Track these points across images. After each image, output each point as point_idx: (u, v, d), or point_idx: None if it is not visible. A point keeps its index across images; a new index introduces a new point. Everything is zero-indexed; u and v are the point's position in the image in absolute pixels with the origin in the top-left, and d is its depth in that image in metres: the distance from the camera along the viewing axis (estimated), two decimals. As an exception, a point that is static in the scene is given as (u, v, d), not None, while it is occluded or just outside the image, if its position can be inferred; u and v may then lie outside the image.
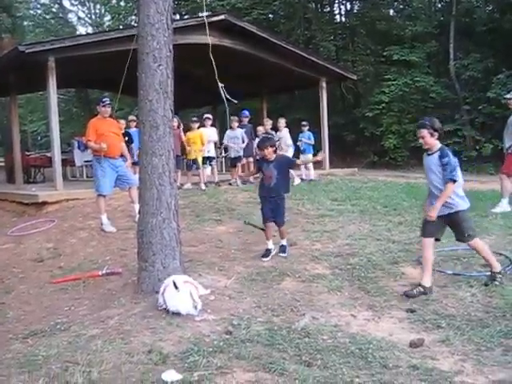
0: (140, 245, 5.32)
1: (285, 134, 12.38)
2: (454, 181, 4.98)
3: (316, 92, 16.06)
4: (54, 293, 5.72)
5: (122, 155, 8.41)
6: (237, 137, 12.26)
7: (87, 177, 13.82)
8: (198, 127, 11.62)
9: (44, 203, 9.72)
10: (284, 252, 6.44)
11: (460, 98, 17.99)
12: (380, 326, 4.50)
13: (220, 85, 6.24)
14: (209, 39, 6.20)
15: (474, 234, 5.29)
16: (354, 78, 16.97)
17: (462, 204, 5.17)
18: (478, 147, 17.22)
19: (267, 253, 6.36)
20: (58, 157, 10.73)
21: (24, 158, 14.28)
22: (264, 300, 5.07)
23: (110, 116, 8.37)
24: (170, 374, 3.62)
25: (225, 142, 12.57)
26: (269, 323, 4.53)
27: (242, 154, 12.29)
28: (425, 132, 5.12)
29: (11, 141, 14.01)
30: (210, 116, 12.39)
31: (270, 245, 6.44)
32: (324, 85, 15.66)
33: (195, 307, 4.73)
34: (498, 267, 5.35)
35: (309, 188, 11.29)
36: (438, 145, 5.13)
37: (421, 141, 5.22)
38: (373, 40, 21.62)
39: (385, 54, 19.36)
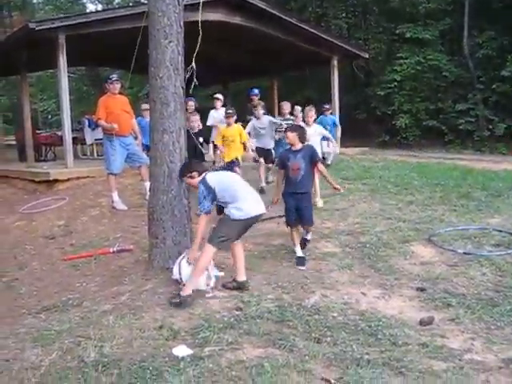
0: (151, 222, 5.34)
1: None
2: None
3: (327, 70, 15.90)
4: (66, 269, 5.78)
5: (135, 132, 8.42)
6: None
7: (98, 155, 13.83)
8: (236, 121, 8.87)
9: (55, 181, 9.78)
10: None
11: (473, 77, 17.71)
12: (390, 304, 4.51)
13: (192, 65, 6.02)
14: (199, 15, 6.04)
15: None
16: (366, 56, 16.76)
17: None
18: (490, 127, 17.00)
19: (301, 260, 5.52)
20: (68, 135, 10.74)
21: (35, 136, 14.32)
22: (274, 277, 5.09)
23: (121, 93, 8.32)
24: (181, 349, 3.67)
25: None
26: (279, 300, 4.55)
27: None
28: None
29: (22, 119, 14.05)
30: (219, 96, 11.02)
31: (299, 252, 5.63)
32: (335, 63, 15.49)
33: (207, 284, 4.76)
34: None
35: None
36: None
37: None
38: (385, 17, 21.25)
39: (397, 31, 19.05)
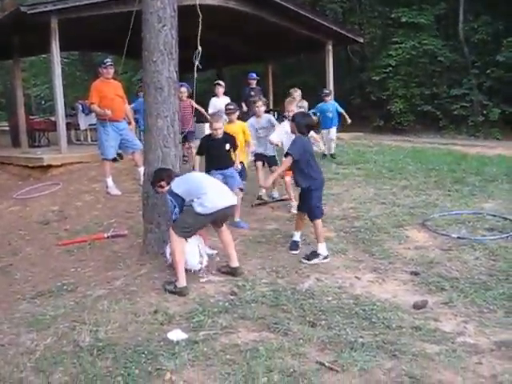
0: (145, 207, 5.34)
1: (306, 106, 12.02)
2: None
3: (322, 56, 15.81)
4: (61, 255, 5.77)
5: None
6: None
7: (92, 140, 13.75)
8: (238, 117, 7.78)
9: (49, 166, 9.73)
10: (309, 259, 5.18)
11: (468, 62, 17.68)
12: (384, 288, 4.54)
13: (198, 49, 5.95)
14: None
15: None
16: (361, 40, 16.66)
17: None
18: (485, 112, 17.00)
19: (294, 245, 5.48)
20: (62, 120, 10.66)
21: (28, 121, 14.21)
22: (269, 262, 5.10)
23: (114, 78, 8.24)
24: (176, 334, 3.69)
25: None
26: (273, 284, 4.58)
27: None
28: None
29: (15, 105, 13.92)
30: (221, 82, 10.36)
31: (297, 236, 5.52)
32: (330, 48, 15.39)
33: (200, 263, 4.77)
34: None
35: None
36: None
37: None
38: (380, 2, 21.10)
39: (392, 16, 18.93)
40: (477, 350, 3.42)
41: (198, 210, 4.53)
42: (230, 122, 7.01)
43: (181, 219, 4.62)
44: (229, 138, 6.34)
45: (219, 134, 6.16)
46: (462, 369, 3.18)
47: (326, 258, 5.17)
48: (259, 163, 7.40)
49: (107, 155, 8.02)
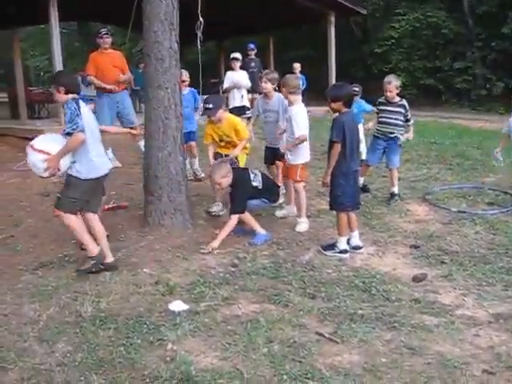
0: (146, 179, 5.33)
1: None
2: None
3: (324, 28, 15.62)
4: (62, 226, 5.74)
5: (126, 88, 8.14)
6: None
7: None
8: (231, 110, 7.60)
9: (49, 138, 9.67)
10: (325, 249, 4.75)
11: (472, 34, 17.47)
12: (384, 261, 4.56)
13: (200, 20, 5.85)
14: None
15: None
16: (364, 12, 16.45)
17: None
18: (488, 86, 16.88)
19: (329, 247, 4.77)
20: (61, 91, 10.57)
21: (28, 93, 14.11)
22: (269, 234, 5.12)
23: (114, 48, 8.12)
24: (177, 305, 3.72)
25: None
26: (274, 257, 4.60)
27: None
28: None
29: (14, 76, 13.81)
30: (238, 56, 9.57)
31: (342, 243, 4.71)
32: (332, 20, 15.21)
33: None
34: None
35: (315, 124, 11.19)
36: None
37: None
38: (384, -28, 20.81)
39: (396, -14, 18.73)
40: (475, 323, 3.45)
41: (83, 173, 4.19)
42: (217, 121, 5.69)
43: (63, 194, 4.29)
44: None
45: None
46: (460, 340, 3.22)
47: (343, 252, 4.65)
48: (274, 166, 6.11)
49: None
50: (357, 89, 8.31)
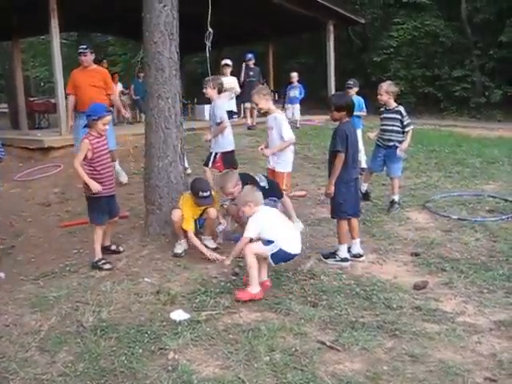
0: (147, 188, 5.34)
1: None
2: None
3: (323, 36, 15.70)
4: (63, 236, 5.80)
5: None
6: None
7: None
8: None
9: (49, 148, 9.69)
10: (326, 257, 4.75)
11: (471, 43, 17.55)
12: (385, 269, 4.56)
13: (209, 30, 5.92)
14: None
15: None
16: (362, 21, 16.56)
17: None
18: (487, 93, 16.93)
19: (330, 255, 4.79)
20: (62, 102, 10.61)
21: (28, 103, 14.17)
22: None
23: (99, 64, 7.55)
24: (179, 314, 3.72)
25: None
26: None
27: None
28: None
29: (14, 86, 13.86)
30: (229, 62, 10.36)
31: (342, 251, 4.71)
32: (331, 28, 15.29)
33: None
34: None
35: (315, 133, 11.26)
36: None
37: None
38: (382, -19, 20.94)
39: (394, -4, 18.82)
40: (476, 330, 3.45)
41: None
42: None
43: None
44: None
45: None
46: (461, 348, 3.22)
47: (343, 260, 4.64)
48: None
49: (74, 150, 7.12)
50: (351, 82, 8.33)
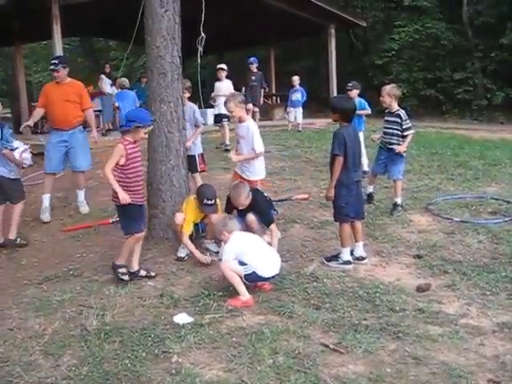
0: (150, 192, 5.36)
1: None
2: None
3: (324, 40, 15.74)
4: (66, 240, 5.81)
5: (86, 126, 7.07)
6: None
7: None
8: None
9: (52, 153, 9.71)
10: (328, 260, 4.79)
11: (472, 45, 17.56)
12: (387, 272, 4.57)
13: (201, 35, 5.95)
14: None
15: None
16: (364, 24, 16.60)
17: None
18: (488, 96, 16.92)
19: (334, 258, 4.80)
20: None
21: (31, 108, 14.21)
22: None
23: (73, 78, 6.87)
24: (182, 317, 3.74)
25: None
26: (278, 268, 4.60)
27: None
28: None
29: (17, 91, 13.93)
30: (224, 66, 10.42)
31: (345, 253, 4.75)
32: (333, 32, 15.35)
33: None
34: None
35: (317, 136, 11.27)
36: None
37: None
38: (383, -16, 20.97)
39: (395, -1, 18.84)
40: (479, 332, 3.45)
41: None
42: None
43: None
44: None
45: None
46: (464, 350, 3.22)
47: (346, 263, 4.65)
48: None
49: (45, 169, 6.79)
50: (350, 84, 8.15)
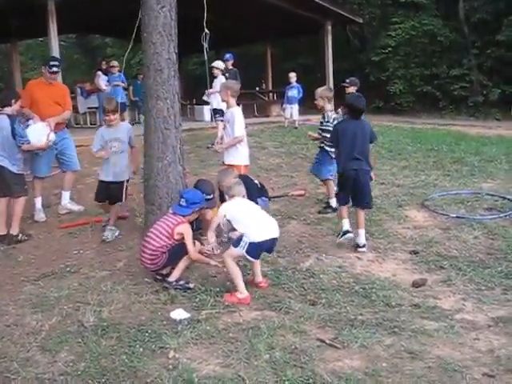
0: (146, 188, 5.35)
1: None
2: None
3: (321, 37, 15.74)
4: (63, 237, 5.81)
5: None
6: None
7: (91, 124, 13.78)
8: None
9: (49, 150, 9.70)
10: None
11: (468, 42, 17.59)
12: (383, 267, 4.59)
13: (205, 31, 5.95)
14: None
15: None
16: (360, 21, 16.62)
17: None
18: (485, 92, 16.96)
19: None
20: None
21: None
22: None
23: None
24: (179, 313, 3.74)
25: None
26: (275, 264, 4.63)
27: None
28: None
29: (14, 88, 13.89)
30: (216, 65, 10.55)
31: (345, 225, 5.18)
32: (329, 28, 15.34)
33: None
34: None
35: (314, 132, 11.25)
36: None
37: None
38: (380, -19, 20.97)
39: (392, -5, 18.86)
40: (475, 326, 3.48)
41: None
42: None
43: None
44: None
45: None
46: (460, 344, 3.24)
47: (345, 233, 5.03)
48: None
49: (35, 172, 6.54)
50: (348, 80, 7.91)
